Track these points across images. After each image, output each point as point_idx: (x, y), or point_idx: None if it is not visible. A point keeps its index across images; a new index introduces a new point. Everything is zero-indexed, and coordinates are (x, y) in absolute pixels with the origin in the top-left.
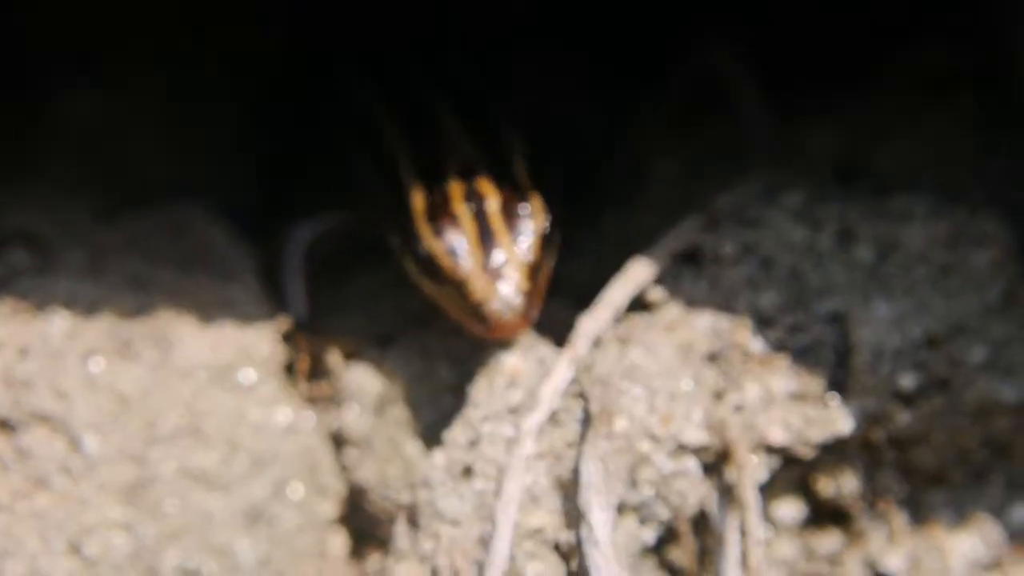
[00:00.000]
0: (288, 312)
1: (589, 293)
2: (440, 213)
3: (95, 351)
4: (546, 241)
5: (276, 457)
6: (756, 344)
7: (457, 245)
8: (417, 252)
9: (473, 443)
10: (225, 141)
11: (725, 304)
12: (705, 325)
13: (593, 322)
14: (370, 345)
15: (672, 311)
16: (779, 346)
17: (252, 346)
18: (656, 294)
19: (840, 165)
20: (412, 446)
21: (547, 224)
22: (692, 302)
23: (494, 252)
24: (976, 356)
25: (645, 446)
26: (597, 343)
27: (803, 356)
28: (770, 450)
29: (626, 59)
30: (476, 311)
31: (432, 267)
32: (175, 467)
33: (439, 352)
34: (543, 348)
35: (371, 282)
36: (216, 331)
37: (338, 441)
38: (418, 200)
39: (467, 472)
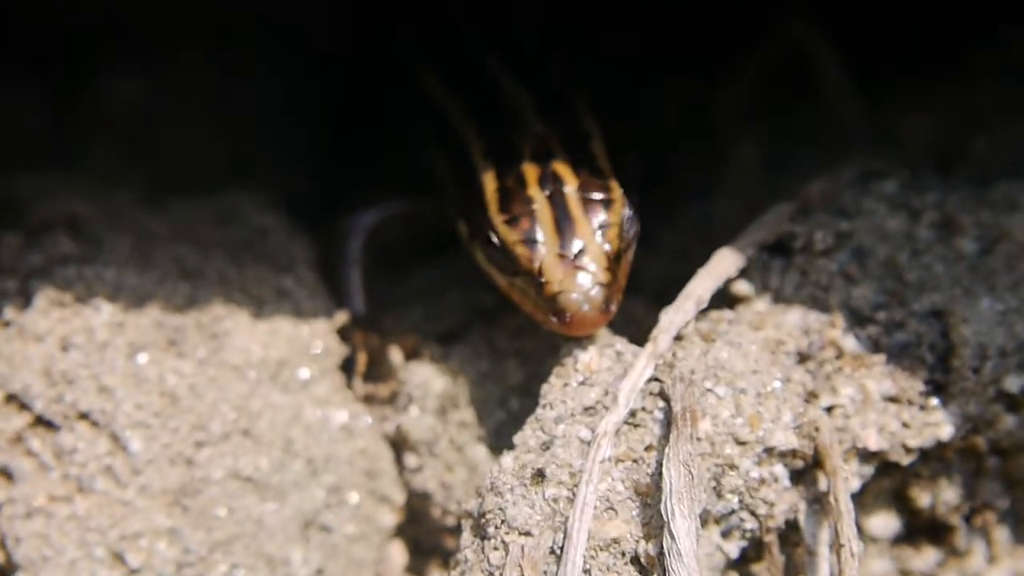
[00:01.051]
0: (346, 306)
1: (668, 290)
2: (513, 198)
3: (142, 345)
4: (626, 230)
5: (332, 461)
6: (850, 342)
7: (532, 232)
8: (488, 240)
9: (545, 446)
10: (277, 127)
11: (816, 299)
12: (795, 321)
13: (675, 316)
14: (433, 342)
15: (759, 306)
16: (875, 344)
17: (307, 342)
18: (743, 287)
19: (936, 152)
20: (478, 450)
21: (627, 211)
22: (781, 296)
23: (571, 240)
24: None
25: (730, 450)
26: (679, 339)
27: (900, 355)
28: (864, 456)
29: (707, 45)
30: (551, 304)
31: (504, 256)
32: (225, 471)
33: (507, 350)
34: (621, 344)
35: (434, 275)
36: (269, 325)
37: (398, 444)
38: (489, 184)
39: (539, 477)
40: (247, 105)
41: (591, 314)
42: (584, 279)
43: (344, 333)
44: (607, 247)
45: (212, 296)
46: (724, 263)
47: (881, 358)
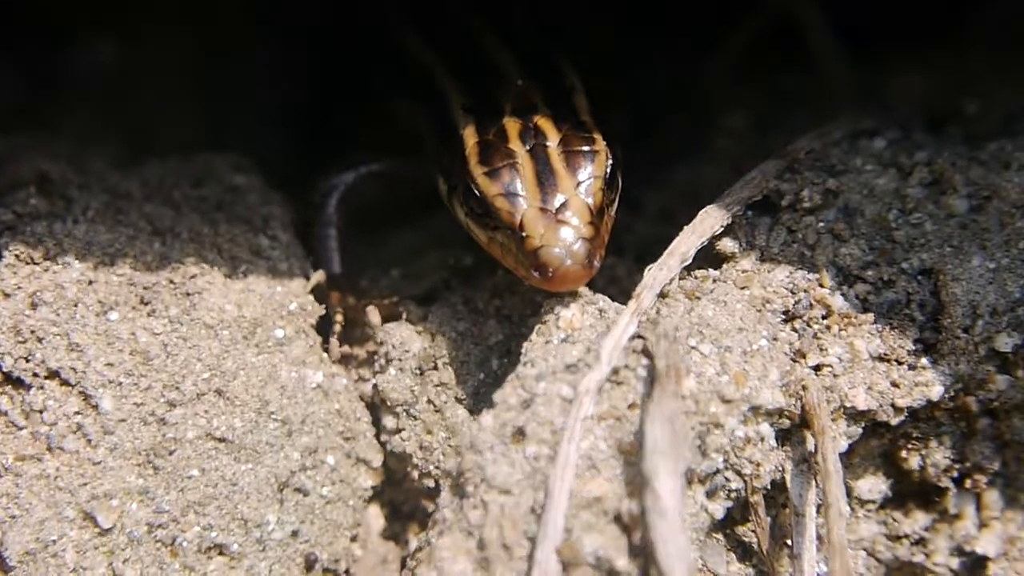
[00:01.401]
0: (322, 267)
1: (652, 251)
2: (494, 151)
3: (113, 302)
4: (609, 184)
5: (307, 422)
6: (838, 300)
7: (512, 186)
8: (468, 194)
9: (526, 403)
10: (253, 90)
11: (804, 257)
12: (782, 279)
13: (659, 273)
14: (411, 303)
15: (746, 264)
16: (863, 303)
17: (282, 301)
18: (728, 245)
19: (927, 112)
20: (458, 411)
21: (610, 165)
22: (768, 255)
23: (554, 194)
24: None
25: (715, 408)
26: (663, 296)
27: (889, 314)
28: (852, 416)
29: (701, 14)
30: (533, 259)
31: (485, 211)
32: (198, 430)
33: (487, 310)
34: (604, 302)
35: (413, 236)
36: (243, 284)
37: (375, 406)
38: (470, 138)
39: (519, 435)
40: (227, 71)
41: (573, 269)
42: (567, 233)
43: (320, 293)
44: (590, 200)
45: (185, 254)
46: (709, 220)
47: (870, 317)
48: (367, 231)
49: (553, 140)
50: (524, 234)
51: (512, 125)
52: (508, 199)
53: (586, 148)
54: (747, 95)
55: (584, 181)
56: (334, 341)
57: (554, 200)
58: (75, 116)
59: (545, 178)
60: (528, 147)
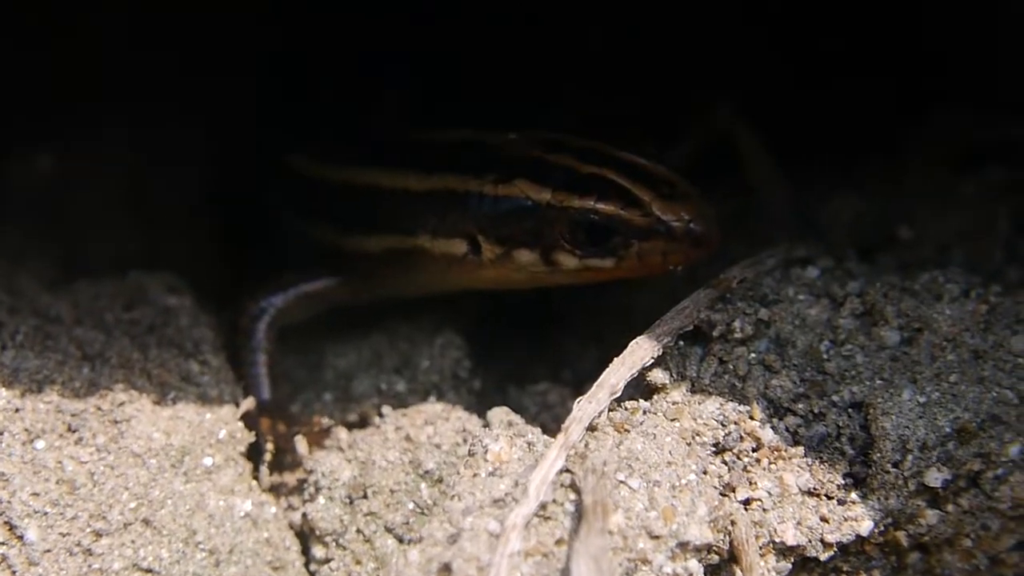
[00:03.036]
0: (251, 393)
1: (591, 378)
2: (575, 179)
3: (40, 431)
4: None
5: (236, 552)
6: (768, 433)
7: (623, 193)
8: (577, 233)
9: (453, 539)
10: (190, 204)
11: (735, 388)
12: (712, 411)
13: (588, 406)
14: (342, 429)
15: (676, 395)
16: (793, 436)
17: (211, 428)
18: (659, 376)
19: (861, 237)
20: (387, 541)
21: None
22: (698, 386)
23: (655, 181)
24: (1012, 451)
25: (643, 544)
26: (592, 429)
27: (820, 448)
28: (782, 551)
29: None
30: (688, 237)
31: (606, 234)
32: (125, 561)
33: (419, 438)
34: (532, 434)
35: (347, 358)
36: (172, 411)
37: (304, 535)
38: (539, 190)
39: (445, 571)
40: (167, 187)
41: (716, 229)
42: (697, 203)
43: (250, 420)
44: (677, 175)
45: (114, 381)
46: (640, 352)
47: (800, 450)
48: (299, 347)
49: (602, 145)
50: (669, 222)
51: (561, 158)
52: (630, 206)
53: (626, 139)
54: None
55: (660, 162)
56: (264, 469)
57: (660, 185)
58: (10, 226)
59: (635, 174)
60: (594, 161)
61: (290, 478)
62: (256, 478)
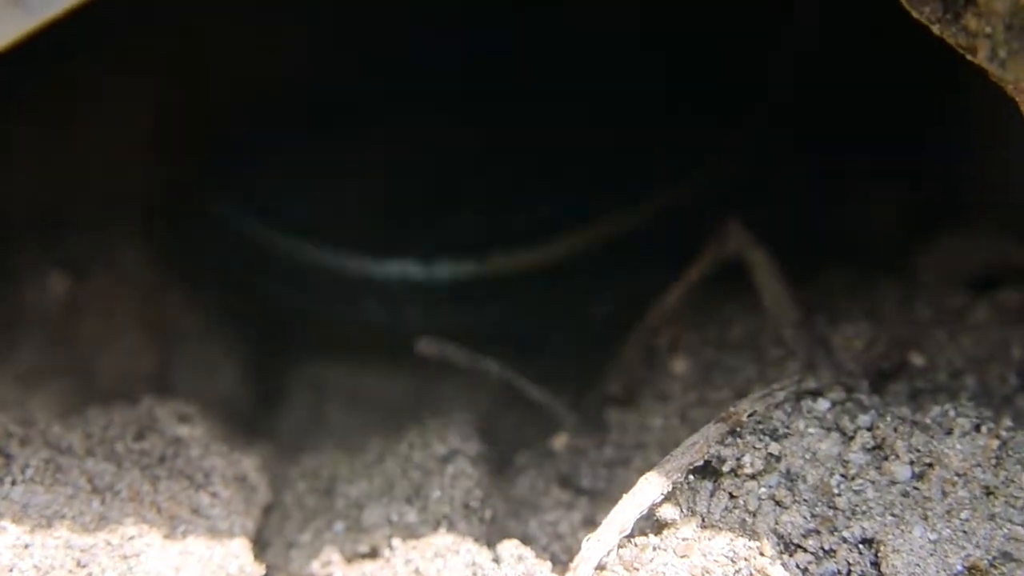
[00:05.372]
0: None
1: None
2: None
3: (49, 567)
4: None
5: None
6: (778, 571)
7: None
8: None
9: None
10: (206, 325)
11: (745, 524)
12: (722, 548)
13: (597, 545)
14: (353, 560)
15: (686, 531)
16: (804, 573)
17: (222, 563)
18: (669, 512)
19: (873, 365)
20: None
21: None
22: (708, 521)
23: None
24: None
25: None
26: (601, 568)
27: None
28: None
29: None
30: None
31: None
32: None
33: (428, 572)
34: (541, 573)
35: (358, 487)
36: (182, 545)
37: None
38: None
39: None
40: (181, 307)
41: None
42: None
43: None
44: None
45: (124, 514)
46: (650, 489)
47: None
48: (312, 472)
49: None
50: None
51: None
52: None
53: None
54: (694, 336)
55: None
56: None
57: None
58: (21, 350)
59: None
60: None
61: None
62: None
